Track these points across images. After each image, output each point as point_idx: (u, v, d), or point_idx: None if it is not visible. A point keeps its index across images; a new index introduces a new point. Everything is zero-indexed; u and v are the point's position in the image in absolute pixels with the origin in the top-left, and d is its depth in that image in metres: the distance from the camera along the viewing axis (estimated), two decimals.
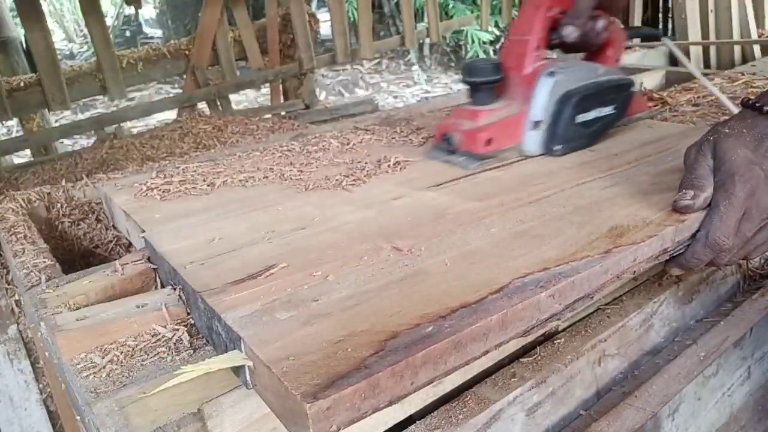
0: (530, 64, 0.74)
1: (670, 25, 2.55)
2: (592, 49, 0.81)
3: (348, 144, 0.89)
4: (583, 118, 0.75)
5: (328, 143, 0.90)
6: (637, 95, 0.85)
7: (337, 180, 0.72)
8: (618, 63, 0.83)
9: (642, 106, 0.90)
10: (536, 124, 0.74)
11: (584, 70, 0.77)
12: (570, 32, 0.75)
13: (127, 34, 8.22)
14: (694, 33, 2.01)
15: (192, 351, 0.47)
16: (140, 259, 0.62)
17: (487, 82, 0.74)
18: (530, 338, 0.55)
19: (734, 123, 0.58)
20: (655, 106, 1.05)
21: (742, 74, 1.24)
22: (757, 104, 0.57)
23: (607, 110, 0.78)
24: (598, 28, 0.77)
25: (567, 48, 0.79)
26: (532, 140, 0.75)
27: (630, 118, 0.86)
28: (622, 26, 0.83)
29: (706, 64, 2.00)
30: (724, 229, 0.53)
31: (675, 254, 0.55)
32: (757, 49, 1.97)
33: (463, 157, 0.74)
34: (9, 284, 0.93)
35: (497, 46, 5.61)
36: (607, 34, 0.79)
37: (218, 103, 2.97)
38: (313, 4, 4.55)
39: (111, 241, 0.86)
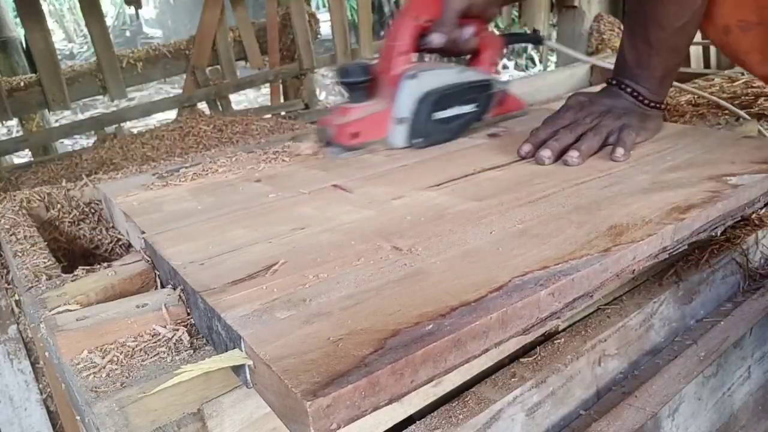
0: (396, 67, 0.82)
1: None
2: (464, 54, 0.90)
3: None
4: (441, 115, 0.84)
5: None
6: (510, 95, 0.95)
7: (336, 180, 0.72)
8: (495, 66, 0.92)
9: (515, 106, 0.97)
10: (400, 120, 0.82)
11: (446, 73, 0.84)
12: (435, 38, 0.83)
13: (127, 34, 8.23)
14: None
15: (192, 351, 0.47)
16: (140, 260, 0.62)
17: (357, 83, 0.81)
18: (530, 337, 0.55)
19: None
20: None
21: (743, 74, 1.24)
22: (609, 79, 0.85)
23: (468, 108, 0.87)
24: (466, 36, 0.85)
25: (444, 53, 0.87)
26: (397, 134, 0.83)
27: (506, 115, 0.95)
28: (497, 34, 0.92)
29: (707, 64, 2.00)
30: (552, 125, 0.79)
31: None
32: None
33: (334, 148, 0.82)
34: (9, 284, 0.93)
35: None
36: (477, 40, 0.87)
37: (218, 103, 2.97)
38: (313, 4, 4.54)
39: (111, 242, 0.86)
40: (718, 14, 0.88)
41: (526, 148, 0.76)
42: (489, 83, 0.89)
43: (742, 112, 0.98)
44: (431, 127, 0.83)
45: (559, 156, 0.73)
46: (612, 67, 0.88)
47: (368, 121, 0.82)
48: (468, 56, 0.92)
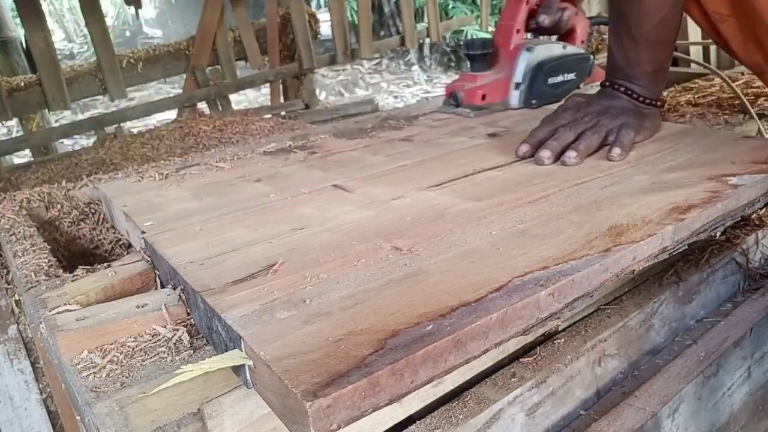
0: (514, 42, 1.04)
1: None
2: (561, 32, 1.11)
3: (347, 144, 0.89)
4: (552, 80, 1.06)
5: (327, 144, 0.90)
6: (596, 67, 1.15)
7: (336, 180, 0.72)
8: (583, 43, 1.14)
9: (600, 77, 1.06)
10: (518, 85, 1.03)
11: (553, 47, 1.07)
12: (543, 19, 1.03)
13: (127, 34, 8.22)
14: (695, 33, 2.01)
15: (192, 351, 0.47)
16: (140, 260, 0.62)
17: (482, 54, 1.03)
18: (530, 337, 0.55)
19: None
20: None
21: (743, 74, 1.24)
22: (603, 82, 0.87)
23: (571, 76, 1.09)
24: (566, 17, 1.07)
25: (543, 31, 1.08)
26: (515, 97, 1.04)
27: (593, 84, 1.12)
28: (585, 16, 1.13)
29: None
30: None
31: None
32: None
33: (467, 109, 1.02)
34: (9, 284, 0.93)
35: None
36: (572, 21, 1.08)
37: (218, 103, 2.97)
38: (313, 4, 4.54)
39: (111, 242, 0.86)
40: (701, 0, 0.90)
41: (524, 148, 0.76)
42: (586, 57, 1.11)
43: (753, 111, 1.00)
44: (544, 91, 1.04)
45: (559, 156, 0.73)
46: None
47: (492, 85, 1.02)
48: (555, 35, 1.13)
